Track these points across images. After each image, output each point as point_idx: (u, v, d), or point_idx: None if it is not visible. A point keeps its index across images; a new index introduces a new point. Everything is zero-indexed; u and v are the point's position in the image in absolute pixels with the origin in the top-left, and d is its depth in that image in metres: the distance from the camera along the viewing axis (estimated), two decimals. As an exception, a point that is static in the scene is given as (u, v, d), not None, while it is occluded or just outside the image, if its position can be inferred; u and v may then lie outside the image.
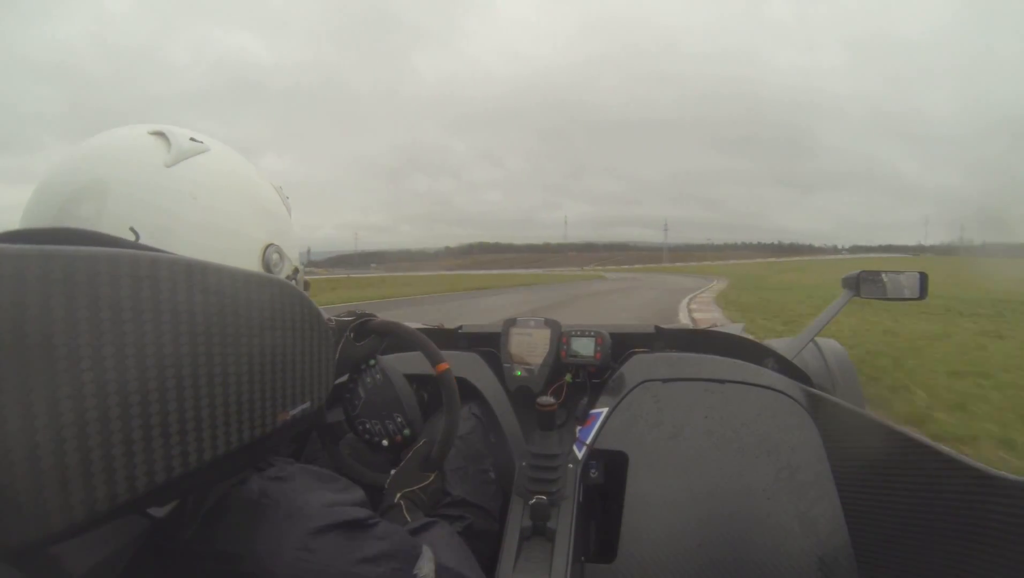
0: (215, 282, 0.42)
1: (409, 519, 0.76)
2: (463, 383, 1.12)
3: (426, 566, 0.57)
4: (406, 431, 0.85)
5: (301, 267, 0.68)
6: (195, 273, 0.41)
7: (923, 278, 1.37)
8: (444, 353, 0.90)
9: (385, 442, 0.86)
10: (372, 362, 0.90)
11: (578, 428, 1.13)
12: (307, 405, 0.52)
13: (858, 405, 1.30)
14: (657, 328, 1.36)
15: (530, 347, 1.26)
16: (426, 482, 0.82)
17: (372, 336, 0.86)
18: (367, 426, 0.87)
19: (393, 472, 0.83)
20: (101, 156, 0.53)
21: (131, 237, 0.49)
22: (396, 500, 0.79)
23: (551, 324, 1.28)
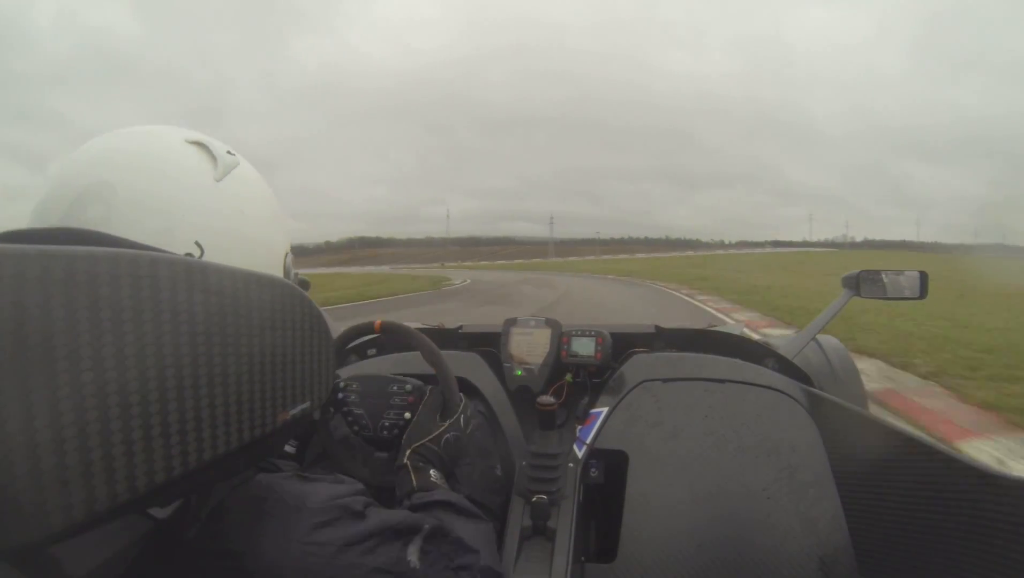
0: (215, 282, 0.42)
1: (415, 482, 0.74)
2: (463, 383, 1.12)
3: (414, 552, 0.56)
4: (407, 414, 0.86)
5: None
6: (195, 273, 0.41)
7: (923, 277, 1.37)
8: (444, 353, 0.91)
9: (386, 424, 0.87)
10: (409, 388, 0.91)
11: (578, 428, 1.13)
12: (307, 405, 0.52)
13: (860, 402, 1.30)
14: (657, 328, 1.37)
15: (530, 347, 1.26)
16: (439, 431, 0.80)
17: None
18: (364, 423, 0.88)
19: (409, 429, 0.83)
20: (133, 164, 0.52)
21: (197, 252, 0.51)
22: (404, 460, 0.77)
23: (552, 324, 1.28)
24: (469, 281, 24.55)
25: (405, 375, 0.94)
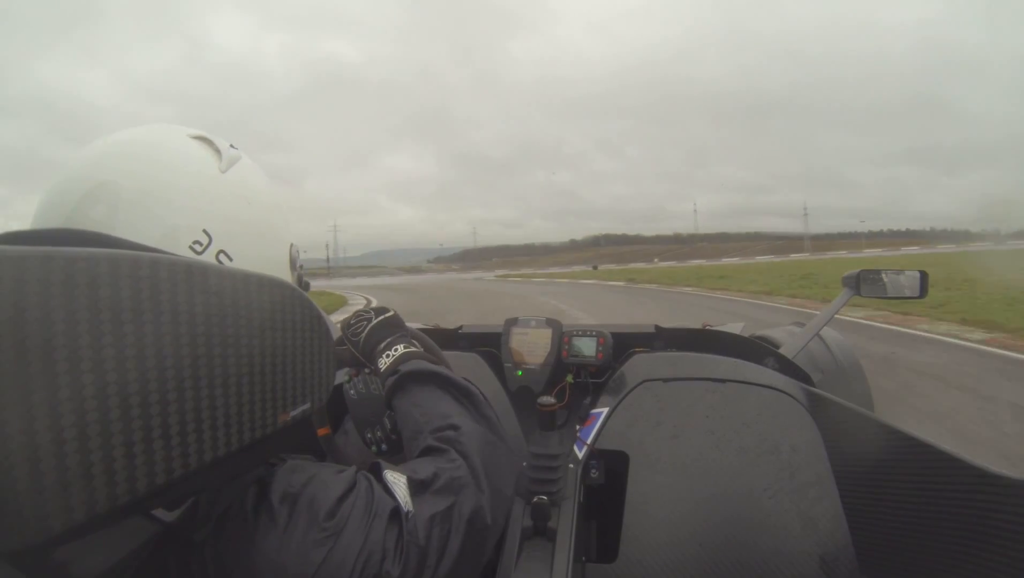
0: (215, 283, 0.42)
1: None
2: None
3: (394, 476, 0.54)
4: (383, 445, 0.85)
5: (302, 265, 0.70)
6: (195, 274, 0.41)
7: (923, 277, 1.37)
8: (444, 353, 0.91)
9: (373, 449, 0.86)
10: (347, 377, 0.90)
11: (579, 428, 1.13)
12: (307, 406, 0.52)
13: (866, 399, 1.30)
14: (657, 327, 1.36)
15: (531, 347, 1.26)
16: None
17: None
18: (383, 434, 0.87)
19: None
20: (140, 157, 0.52)
21: (205, 239, 0.52)
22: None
23: (552, 324, 1.28)
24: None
25: None
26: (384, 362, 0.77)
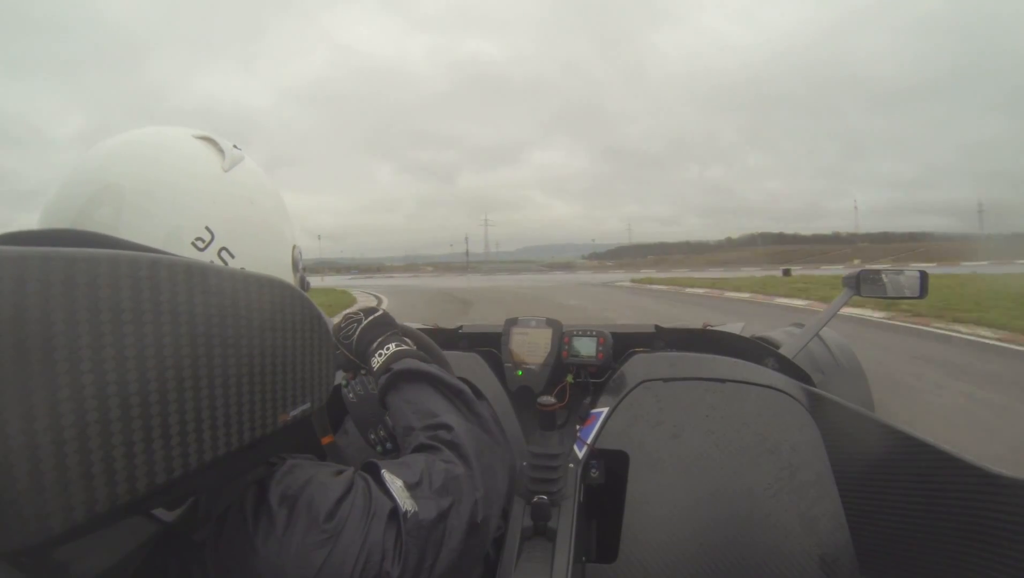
0: (215, 283, 0.42)
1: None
2: (464, 383, 1.12)
3: (390, 476, 0.54)
4: (388, 444, 0.85)
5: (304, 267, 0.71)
6: (195, 275, 0.41)
7: (923, 277, 1.37)
8: (444, 353, 0.91)
9: (379, 449, 0.86)
10: (344, 381, 0.90)
11: (579, 428, 1.13)
12: (307, 406, 0.52)
13: (866, 399, 1.29)
14: (657, 327, 1.36)
15: (531, 347, 1.26)
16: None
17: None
18: (384, 433, 0.87)
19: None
20: (144, 157, 0.53)
21: (207, 236, 0.52)
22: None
23: (552, 324, 1.28)
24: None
25: None
26: (377, 361, 0.78)
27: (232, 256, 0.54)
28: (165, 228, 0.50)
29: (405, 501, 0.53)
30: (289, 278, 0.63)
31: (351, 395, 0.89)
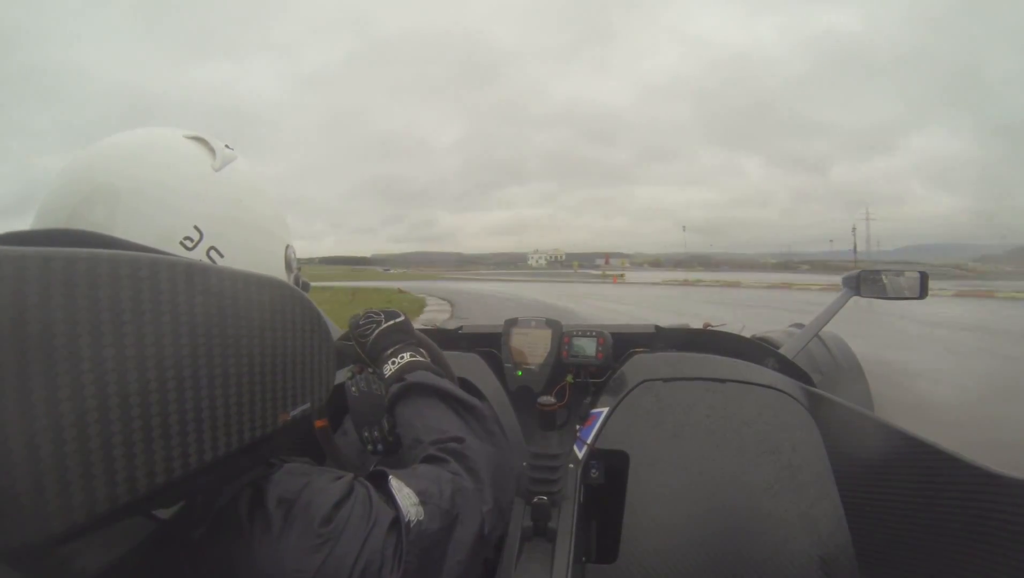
0: (215, 283, 0.42)
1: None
2: (464, 383, 1.12)
3: (400, 487, 0.54)
4: (379, 445, 0.85)
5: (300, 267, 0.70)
6: (195, 275, 0.41)
7: (923, 278, 1.36)
8: (444, 353, 0.91)
9: (369, 448, 0.86)
10: (349, 373, 0.90)
11: (579, 428, 1.13)
12: (307, 406, 0.52)
13: (865, 399, 1.30)
14: (657, 328, 1.36)
15: (531, 347, 1.26)
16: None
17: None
18: (383, 433, 0.87)
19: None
20: (131, 159, 0.53)
21: (196, 235, 0.52)
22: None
23: (552, 324, 1.28)
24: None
25: None
26: (389, 368, 0.78)
27: (221, 255, 0.54)
28: (157, 229, 0.50)
29: (410, 509, 0.53)
30: (282, 277, 0.63)
31: (354, 389, 0.89)
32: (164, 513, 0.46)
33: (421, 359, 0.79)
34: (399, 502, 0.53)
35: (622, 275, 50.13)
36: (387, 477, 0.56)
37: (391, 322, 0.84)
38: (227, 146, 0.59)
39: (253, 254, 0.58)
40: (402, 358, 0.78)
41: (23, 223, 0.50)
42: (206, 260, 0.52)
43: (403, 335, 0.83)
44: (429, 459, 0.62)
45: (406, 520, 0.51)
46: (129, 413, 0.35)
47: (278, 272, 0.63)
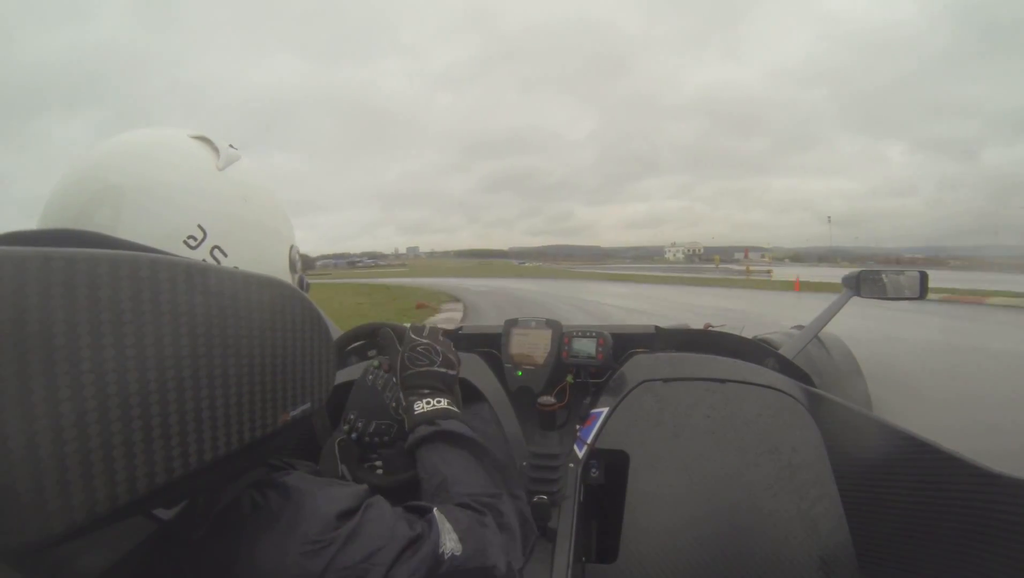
0: (215, 284, 0.42)
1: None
2: (464, 384, 1.12)
3: (444, 532, 0.55)
4: (354, 435, 0.86)
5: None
6: (195, 275, 0.41)
7: (923, 277, 1.36)
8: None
9: (346, 428, 0.87)
10: (376, 363, 0.91)
11: (579, 427, 1.13)
12: (307, 406, 0.52)
13: (863, 400, 1.30)
14: (657, 328, 1.37)
15: (531, 348, 1.26)
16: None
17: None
18: (383, 428, 0.88)
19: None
20: (137, 159, 0.53)
21: (199, 234, 0.52)
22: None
23: (552, 325, 1.28)
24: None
25: None
26: (421, 406, 0.77)
27: (225, 254, 0.54)
28: (163, 228, 0.50)
29: (447, 542, 0.54)
30: (286, 277, 0.63)
31: (370, 377, 0.90)
32: (165, 514, 0.46)
33: (456, 410, 0.79)
34: (439, 531, 0.54)
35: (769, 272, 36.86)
36: (430, 508, 0.57)
37: (444, 369, 0.84)
38: (231, 146, 0.59)
39: (257, 253, 0.58)
40: (439, 402, 0.78)
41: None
42: (210, 259, 0.52)
43: (448, 381, 0.84)
44: (465, 506, 0.63)
45: (440, 550, 0.52)
46: (129, 413, 0.35)
47: (282, 271, 0.63)
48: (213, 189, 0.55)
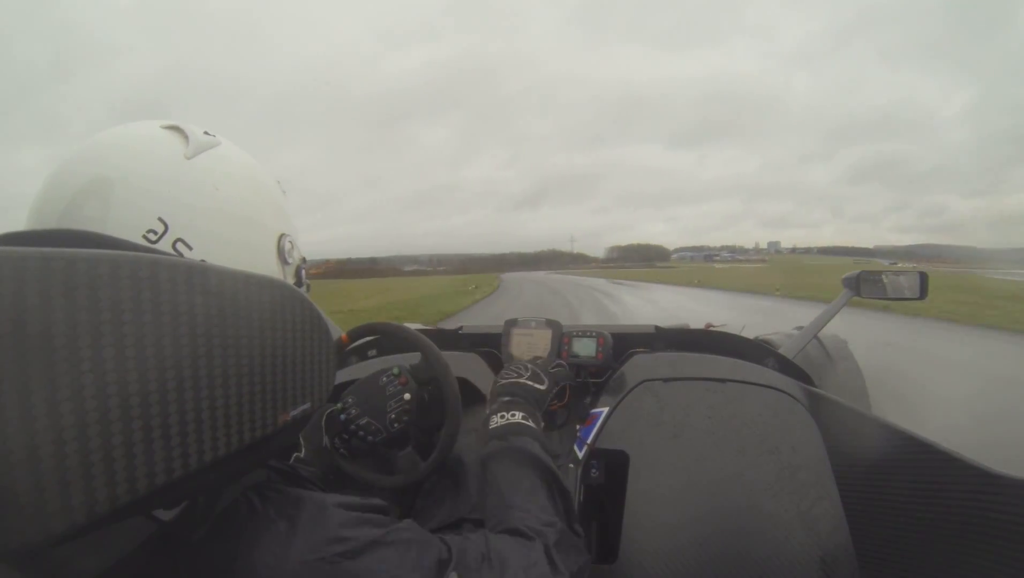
0: (215, 284, 0.42)
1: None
2: (464, 384, 1.12)
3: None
4: (406, 396, 0.88)
5: (304, 258, 0.69)
6: (195, 275, 0.41)
7: (923, 278, 1.36)
8: (445, 354, 0.91)
9: (338, 406, 0.89)
10: (396, 371, 0.92)
11: (579, 428, 1.13)
12: (307, 406, 0.52)
13: (862, 400, 1.30)
14: (657, 328, 1.37)
15: (531, 348, 1.26)
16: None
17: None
18: (375, 427, 0.88)
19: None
20: (112, 150, 0.53)
21: (160, 227, 0.50)
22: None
23: (552, 324, 1.28)
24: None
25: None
26: (496, 421, 0.77)
27: (190, 248, 0.52)
28: (122, 219, 0.49)
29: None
30: (272, 269, 0.61)
31: (384, 380, 0.91)
32: (165, 514, 0.46)
33: (532, 425, 0.78)
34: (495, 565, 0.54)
35: None
36: (487, 536, 0.58)
37: (530, 384, 0.85)
38: (207, 132, 0.57)
39: (229, 246, 0.56)
40: (513, 416, 0.77)
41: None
42: (172, 253, 0.51)
43: (531, 399, 0.84)
44: (515, 532, 0.62)
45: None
46: (129, 413, 0.35)
47: (266, 263, 0.60)
48: (178, 179, 0.53)
